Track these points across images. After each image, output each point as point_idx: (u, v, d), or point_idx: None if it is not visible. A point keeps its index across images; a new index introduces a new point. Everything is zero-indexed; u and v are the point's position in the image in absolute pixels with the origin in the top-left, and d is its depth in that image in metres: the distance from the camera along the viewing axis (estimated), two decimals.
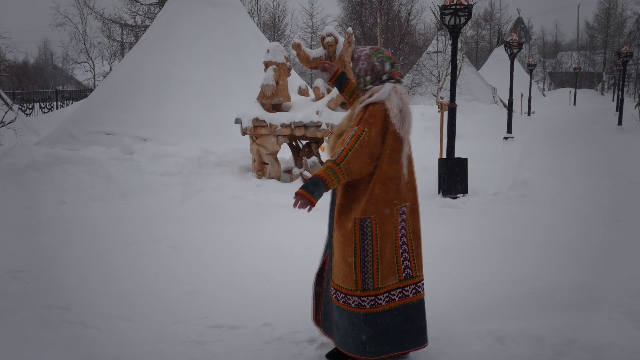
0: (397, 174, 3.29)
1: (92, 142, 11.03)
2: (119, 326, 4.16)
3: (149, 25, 28.08)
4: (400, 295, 3.34)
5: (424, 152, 10.52)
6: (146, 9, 33.14)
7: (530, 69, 29.90)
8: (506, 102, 21.12)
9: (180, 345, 3.85)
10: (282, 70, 8.98)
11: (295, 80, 11.53)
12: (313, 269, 5.19)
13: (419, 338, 3.43)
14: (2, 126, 13.72)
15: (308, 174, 8.69)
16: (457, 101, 9.55)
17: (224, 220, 7.36)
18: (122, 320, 4.27)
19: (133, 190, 8.36)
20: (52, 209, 7.93)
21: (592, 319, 4.13)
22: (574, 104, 40.70)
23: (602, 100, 45.01)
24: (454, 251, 5.89)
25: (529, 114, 28.28)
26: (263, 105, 8.98)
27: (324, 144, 9.42)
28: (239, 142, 9.89)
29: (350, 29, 9.39)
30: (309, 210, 3.10)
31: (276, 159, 9.06)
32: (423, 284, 3.45)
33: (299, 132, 8.82)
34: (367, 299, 3.26)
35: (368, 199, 3.22)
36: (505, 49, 18.50)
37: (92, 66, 39.33)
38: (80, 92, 35.81)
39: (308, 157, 8.92)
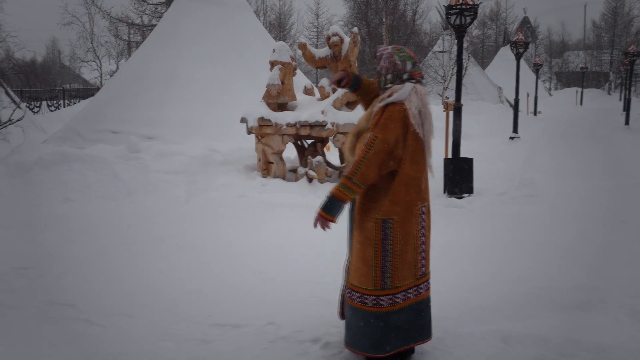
0: (419, 174, 3.30)
1: (99, 140, 11.07)
2: (123, 324, 4.18)
3: (156, 25, 28.18)
4: (415, 292, 3.37)
5: None
6: (153, 8, 33.21)
7: (536, 68, 29.80)
8: (512, 102, 21.06)
9: (184, 343, 3.86)
10: (287, 70, 8.99)
11: (300, 80, 11.53)
12: (317, 269, 5.24)
13: (426, 332, 3.47)
14: (9, 124, 13.78)
15: (313, 174, 8.69)
16: (462, 101, 9.54)
17: (228, 219, 7.37)
18: (126, 317, 4.29)
19: (139, 189, 8.38)
20: (58, 206, 7.97)
21: (598, 319, 4.12)
22: (581, 103, 40.54)
23: (609, 100, 44.80)
24: (458, 251, 5.88)
25: (535, 113, 28.19)
26: (268, 104, 8.99)
27: (329, 144, 9.42)
28: (244, 141, 9.90)
29: (355, 29, 9.39)
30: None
31: (281, 158, 9.07)
32: (429, 280, 3.49)
33: (304, 132, 8.83)
34: (386, 297, 3.28)
35: (391, 199, 3.23)
36: (511, 49, 18.44)
37: (99, 65, 39.47)
38: (87, 91, 35.99)
39: (313, 157, 8.93)
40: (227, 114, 11.10)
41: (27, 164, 8.94)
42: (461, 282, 4.94)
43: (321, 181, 8.70)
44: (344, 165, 9.16)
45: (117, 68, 36.94)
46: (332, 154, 9.66)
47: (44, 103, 28.77)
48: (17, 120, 13.70)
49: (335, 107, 8.91)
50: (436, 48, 27.21)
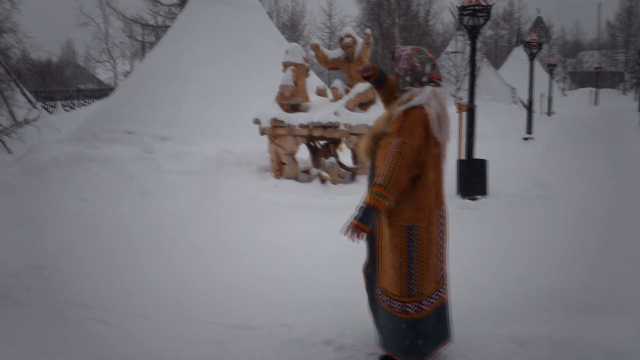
0: (438, 179, 3.29)
1: (113, 140, 11.13)
2: (137, 323, 4.20)
3: (170, 26, 28.32)
4: (436, 296, 3.36)
5: None
6: (167, 10, 33.39)
7: (550, 68, 29.59)
8: (525, 102, 20.93)
9: (197, 344, 3.87)
10: (300, 71, 9.00)
11: (313, 81, 11.53)
12: (330, 270, 5.24)
13: (448, 334, 3.47)
14: (26, 124, 13.94)
15: (326, 175, 8.69)
16: (475, 101, 9.49)
17: (241, 219, 7.39)
18: (140, 317, 4.31)
19: (152, 189, 8.43)
20: (73, 205, 8.04)
21: (615, 323, 4.08)
22: (595, 103, 40.20)
23: (624, 100, 44.41)
24: (472, 253, 5.85)
25: (549, 114, 28.00)
26: (281, 105, 9.00)
27: (342, 145, 9.41)
28: (257, 141, 9.90)
29: (368, 30, 9.38)
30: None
31: (294, 159, 9.07)
32: (448, 284, 3.48)
33: (317, 133, 8.83)
34: (412, 304, 3.27)
35: (415, 206, 3.21)
36: (525, 49, 18.33)
37: (114, 65, 39.75)
38: (102, 91, 36.23)
39: (326, 158, 8.93)
40: (240, 115, 11.12)
41: (42, 164, 9.03)
42: (474, 283, 4.92)
43: (334, 182, 8.70)
44: (356, 166, 9.15)
45: (132, 68, 37.18)
46: (344, 155, 9.65)
47: (58, 103, 29.01)
48: (33, 120, 13.86)
49: (348, 108, 8.90)
50: (449, 49, 27.11)
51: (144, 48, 36.24)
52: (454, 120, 10.40)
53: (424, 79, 3.32)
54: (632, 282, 4.95)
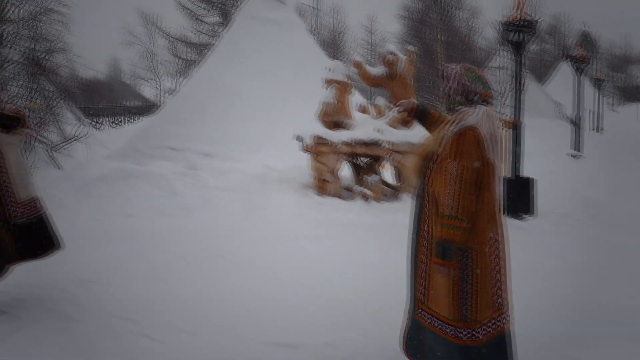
0: (492, 200, 3.20)
1: (158, 156, 11.35)
2: (182, 340, 4.21)
3: (213, 44, 28.87)
4: (494, 325, 3.21)
5: None
6: (210, 28, 34.09)
7: (598, 83, 28.92)
8: (573, 119, 20.47)
9: None
10: (343, 89, 9.02)
11: (355, 98, 11.54)
12: (374, 288, 5.18)
13: None
14: (74, 140, 14.32)
15: (369, 192, 8.65)
16: (521, 118, 9.33)
17: (284, 237, 7.39)
18: (185, 333, 4.33)
19: (197, 205, 8.54)
20: (120, 221, 8.20)
21: None
22: None
23: None
24: (522, 274, 5.67)
25: (597, 130, 27.32)
26: (324, 122, 9.03)
27: (385, 162, 9.36)
28: (299, 158, 9.94)
29: (411, 47, 9.36)
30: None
31: (337, 177, 9.07)
32: (510, 313, 3.32)
33: (359, 150, 8.82)
34: (464, 331, 3.15)
35: (468, 228, 3.11)
36: (571, 64, 17.97)
37: (159, 83, 40.70)
38: (146, 108, 37.06)
39: (369, 175, 8.90)
40: (282, 132, 11.19)
41: (91, 180, 9.26)
42: (527, 306, 4.77)
43: (377, 200, 8.65)
44: (400, 184, 9.07)
45: (176, 86, 38.01)
46: (387, 173, 9.59)
47: (105, 120, 29.83)
48: (82, 137, 14.24)
49: (391, 126, 8.86)
50: (492, 64, 26.82)
51: (187, 66, 37.00)
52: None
53: (475, 98, 3.24)
54: None
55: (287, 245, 6.96)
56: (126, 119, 32.95)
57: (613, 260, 6.26)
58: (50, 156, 13.55)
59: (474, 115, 3.13)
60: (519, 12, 8.90)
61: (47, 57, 16.11)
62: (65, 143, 14.42)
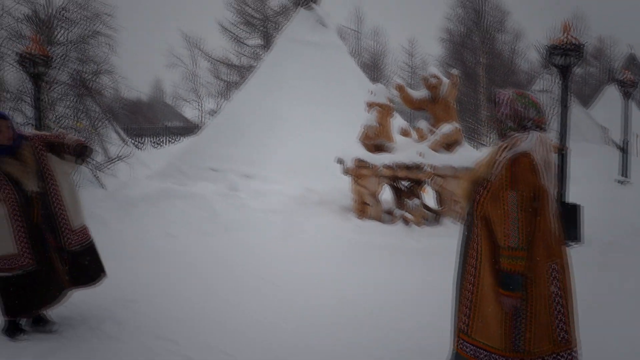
0: (547, 228, 3.09)
1: (199, 177, 11.46)
2: None
3: (254, 66, 29.25)
4: None
5: None
6: (251, 51, 34.63)
7: None
8: (620, 143, 19.94)
9: None
10: (385, 112, 8.98)
11: (397, 121, 11.48)
12: (415, 315, 5.06)
13: None
14: (118, 160, 14.63)
15: (410, 216, 8.53)
16: (566, 142, 9.11)
17: (324, 259, 7.33)
18: (225, 355, 4.31)
19: (237, 226, 8.56)
20: (161, 240, 8.27)
21: None
22: None
23: None
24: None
25: None
26: (365, 145, 8.99)
27: (425, 186, 9.24)
28: (339, 181, 9.90)
29: (455, 71, 9.27)
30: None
31: (377, 200, 8.99)
32: (577, 351, 3.17)
33: (401, 174, 8.73)
34: None
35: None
36: (618, 88, 17.56)
37: (201, 104, 41.41)
38: (187, 129, 37.67)
39: (410, 199, 8.79)
40: (323, 154, 11.18)
41: (133, 199, 9.40)
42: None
43: (418, 224, 8.52)
44: (441, 208, 8.92)
45: (217, 107, 38.62)
46: (428, 197, 9.47)
47: (147, 140, 30.42)
48: (125, 157, 14.54)
49: (433, 149, 8.76)
50: (535, 87, 26.41)
51: (228, 87, 37.62)
52: None
53: (529, 124, 3.17)
54: None
55: (327, 268, 6.89)
56: (167, 139, 33.53)
57: None
58: (94, 175, 13.84)
59: (528, 141, 3.07)
60: (565, 35, 8.76)
61: (93, 79, 16.57)
62: (109, 163, 14.74)
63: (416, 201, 8.70)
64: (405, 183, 9.40)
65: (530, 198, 2.99)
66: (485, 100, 25.50)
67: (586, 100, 40.70)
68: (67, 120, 15.48)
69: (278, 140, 12.18)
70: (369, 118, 8.88)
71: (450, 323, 3.41)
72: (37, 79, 10.71)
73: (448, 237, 7.99)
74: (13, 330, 4.60)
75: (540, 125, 3.19)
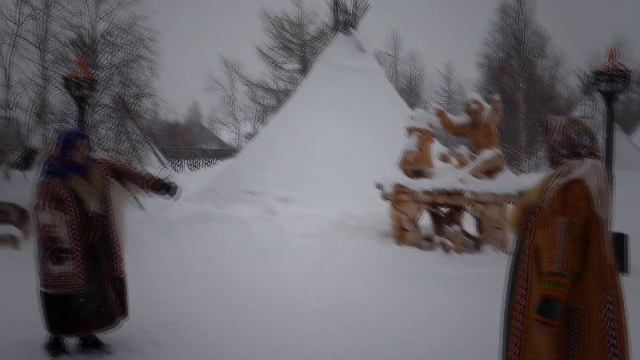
0: (602, 259, 3.00)
1: (236, 200, 11.51)
2: None
3: (291, 90, 29.53)
4: None
5: None
6: (289, 75, 35.03)
7: None
8: None
9: None
10: (425, 137, 8.91)
11: (436, 146, 11.39)
12: (456, 344, 4.93)
13: None
14: None
15: (450, 243, 8.39)
16: (612, 170, 8.88)
17: (362, 285, 7.24)
18: None
19: (275, 250, 8.54)
20: (199, 263, 8.29)
21: None
22: None
23: None
24: None
25: None
26: (404, 170, 8.91)
27: (463, 213, 9.10)
28: (378, 206, 9.82)
29: (497, 96, 9.16)
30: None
31: (417, 226, 8.87)
32: None
33: (441, 200, 8.62)
34: None
35: (575, 287, 2.93)
36: None
37: (237, 127, 41.93)
38: (223, 151, 38.11)
39: (450, 226, 8.65)
40: (360, 179, 11.14)
41: (172, 221, 9.47)
42: None
43: (458, 251, 8.37)
44: (482, 235, 8.75)
45: (254, 130, 39.05)
46: (467, 223, 9.31)
47: (184, 162, 30.84)
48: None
49: (473, 175, 8.63)
50: (576, 113, 26.01)
51: (265, 111, 38.05)
52: None
53: (582, 151, 3.10)
54: None
55: (366, 293, 6.80)
56: (204, 161, 33.92)
57: None
58: (134, 197, 14.05)
59: (581, 169, 3.00)
60: (611, 61, 8.60)
61: (135, 102, 16.93)
62: None
63: (456, 228, 8.55)
64: (444, 209, 9.27)
65: (581, 226, 2.90)
66: (525, 126, 25.17)
67: (628, 127, 39.87)
68: (108, 142, 15.82)
69: (315, 165, 12.18)
70: (409, 143, 8.82)
71: (498, 354, 3.31)
72: (81, 102, 10.96)
73: (489, 265, 7.86)
74: (56, 348, 4.62)
75: (594, 153, 3.12)
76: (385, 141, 12.42)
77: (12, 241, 9.71)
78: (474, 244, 8.85)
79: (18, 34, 16.62)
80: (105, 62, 16.68)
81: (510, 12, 28.38)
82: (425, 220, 9.67)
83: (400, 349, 4.95)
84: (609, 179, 8.47)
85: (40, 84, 15.44)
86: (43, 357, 4.62)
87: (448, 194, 8.56)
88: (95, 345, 4.71)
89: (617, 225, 9.18)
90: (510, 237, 8.32)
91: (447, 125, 9.22)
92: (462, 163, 8.96)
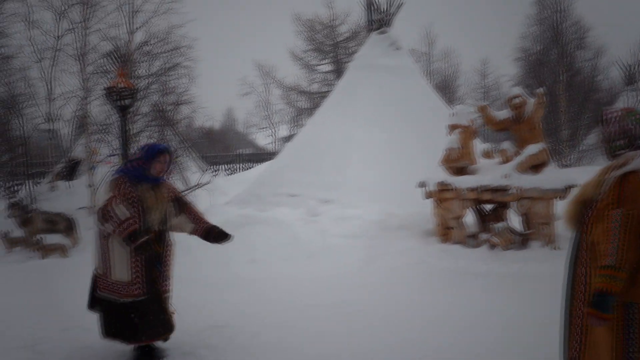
0: None
1: (277, 203, 11.55)
2: None
3: (325, 92, 29.55)
4: None
5: None
6: (323, 77, 35.09)
7: None
8: None
9: None
10: (467, 134, 8.79)
11: (478, 143, 11.25)
12: (508, 345, 4.82)
13: None
14: (197, 188, 15.04)
15: (496, 240, 8.25)
16: None
17: (408, 285, 7.16)
18: None
19: (318, 252, 8.53)
20: (244, 267, 8.33)
21: None
22: None
23: None
24: None
25: None
26: (448, 168, 8.80)
27: (507, 209, 8.94)
28: (420, 205, 9.74)
29: (541, 89, 8.97)
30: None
31: (461, 224, 8.75)
32: None
33: (485, 196, 8.48)
34: None
35: (635, 281, 2.84)
36: None
37: (273, 131, 42.20)
38: (259, 155, 38.34)
39: (495, 223, 8.51)
40: (400, 178, 11.07)
41: None
42: None
43: (504, 248, 8.22)
44: (529, 231, 8.57)
45: (289, 133, 39.23)
46: (513, 220, 9.14)
47: (221, 167, 31.16)
48: (205, 184, 14.94)
49: (518, 171, 8.47)
50: (618, 105, 25.33)
51: (300, 114, 38.18)
52: None
53: None
54: None
55: (412, 294, 6.72)
56: (240, 166, 34.16)
57: None
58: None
59: (639, 159, 2.90)
60: None
61: (174, 109, 17.18)
62: (189, 190, 15.17)
63: (502, 224, 8.40)
64: (488, 206, 9.12)
65: (638, 218, 2.80)
66: (566, 119, 24.62)
67: None
68: None
69: (355, 165, 12.16)
70: (451, 140, 8.71)
71: (559, 350, 3.22)
72: (123, 111, 11.16)
73: (536, 262, 7.70)
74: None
75: None
76: (423, 139, 12.33)
77: (61, 250, 9.94)
78: (520, 241, 8.67)
79: (58, 48, 17.07)
80: (143, 72, 16.97)
81: (548, 4, 27.80)
82: (468, 218, 9.55)
83: (447, 349, 4.87)
84: None
85: (81, 95, 15.80)
86: None
87: (493, 190, 8.42)
88: (151, 351, 4.76)
89: None
90: (558, 233, 8.16)
91: (490, 120, 9.08)
92: (506, 159, 8.80)
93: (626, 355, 2.86)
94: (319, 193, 11.44)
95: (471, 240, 8.77)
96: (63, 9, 16.07)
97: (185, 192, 14.88)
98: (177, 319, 4.90)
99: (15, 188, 17.33)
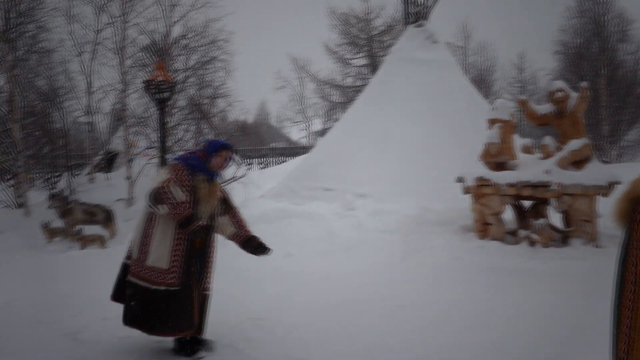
0: None
1: (312, 197, 11.54)
2: None
3: (359, 85, 29.45)
4: None
5: None
6: (357, 70, 34.97)
7: None
8: None
9: None
10: (507, 128, 8.63)
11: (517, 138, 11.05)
12: (551, 347, 4.71)
13: None
14: (233, 181, 15.11)
15: (536, 237, 8.09)
16: None
17: (446, 281, 7.08)
18: None
19: (354, 246, 8.50)
20: (280, 260, 8.30)
21: None
22: None
23: None
24: None
25: None
26: (487, 163, 8.66)
27: (552, 206, 8.76)
28: (458, 200, 9.62)
29: (585, 83, 8.75)
30: None
31: (500, 220, 8.61)
32: None
33: (525, 192, 8.32)
34: None
35: None
36: None
37: (308, 125, 42.29)
38: (292, 149, 38.42)
39: (535, 219, 8.34)
40: (437, 172, 10.96)
41: (252, 218, 9.53)
42: None
43: (545, 245, 8.06)
44: (571, 228, 8.39)
45: (323, 127, 39.22)
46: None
47: (254, 161, 31.31)
48: (240, 178, 15.01)
49: (560, 167, 8.28)
50: None
51: (334, 108, 38.12)
52: None
53: None
54: None
55: (449, 291, 6.64)
56: (274, 160, 34.28)
57: None
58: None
59: None
60: None
61: (210, 103, 17.31)
62: (225, 183, 15.26)
63: (543, 221, 8.24)
64: (527, 202, 8.95)
65: None
66: (607, 114, 24.02)
67: None
68: (185, 144, 16.24)
69: (391, 159, 12.06)
70: (491, 135, 8.56)
71: (609, 349, 3.13)
72: (161, 104, 11.28)
73: (577, 260, 7.53)
74: (193, 347, 4.70)
75: None
76: (459, 134, 12.17)
77: (100, 241, 10.12)
78: (561, 238, 8.50)
79: (98, 41, 17.35)
80: (180, 65, 17.13)
81: None
82: (506, 214, 9.39)
83: (485, 349, 4.78)
84: None
85: (120, 88, 16.04)
86: (137, 351, 4.76)
87: (533, 186, 8.26)
88: (192, 343, 4.75)
89: None
90: (601, 231, 7.96)
91: (530, 115, 8.90)
92: (547, 154, 8.62)
93: None
94: (354, 187, 11.39)
95: (510, 237, 8.62)
96: (102, 3, 16.33)
97: (222, 185, 14.99)
98: (215, 311, 4.94)
99: (55, 180, 17.72)
